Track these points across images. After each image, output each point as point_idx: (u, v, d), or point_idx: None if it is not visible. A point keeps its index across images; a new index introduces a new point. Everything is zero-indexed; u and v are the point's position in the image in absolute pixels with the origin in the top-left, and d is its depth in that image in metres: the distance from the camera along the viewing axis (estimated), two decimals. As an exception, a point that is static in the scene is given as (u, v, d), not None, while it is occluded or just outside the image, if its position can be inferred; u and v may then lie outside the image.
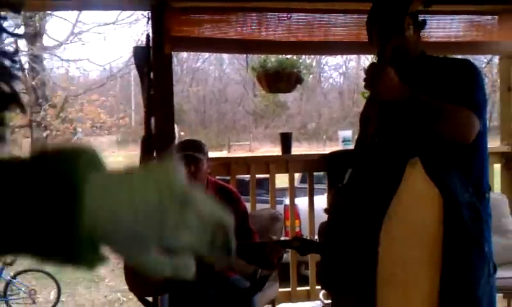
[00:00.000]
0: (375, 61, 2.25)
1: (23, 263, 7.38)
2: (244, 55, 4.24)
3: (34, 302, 6.25)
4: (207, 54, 24.62)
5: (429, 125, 1.94)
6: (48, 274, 6.36)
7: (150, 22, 3.66)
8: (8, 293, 6.19)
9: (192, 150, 2.94)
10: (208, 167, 3.03)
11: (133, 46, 4.05)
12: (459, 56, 3.45)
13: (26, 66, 11.72)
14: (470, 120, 1.92)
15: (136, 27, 12.63)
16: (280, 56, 4.05)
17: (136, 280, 2.95)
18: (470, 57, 3.93)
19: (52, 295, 6.35)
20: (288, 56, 4.09)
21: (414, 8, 1.98)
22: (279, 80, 4.00)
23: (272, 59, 4.06)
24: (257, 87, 4.40)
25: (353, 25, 3.85)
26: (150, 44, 3.63)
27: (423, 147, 1.93)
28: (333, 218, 2.15)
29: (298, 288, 4.09)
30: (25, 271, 6.43)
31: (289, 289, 4.05)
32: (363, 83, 2.05)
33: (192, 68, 28.15)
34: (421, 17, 2.11)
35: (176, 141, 3.77)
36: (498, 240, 3.45)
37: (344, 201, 2.05)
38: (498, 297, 3.36)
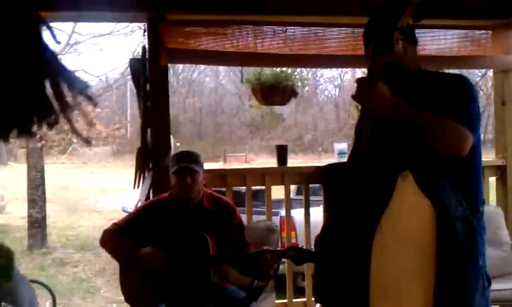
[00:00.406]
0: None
1: (17, 274, 7.34)
2: (239, 67, 4.26)
3: (28, 314, 6.22)
4: (203, 66, 24.72)
5: (422, 139, 1.95)
6: (43, 285, 6.33)
7: (146, 34, 3.68)
8: (3, 304, 6.14)
9: (189, 162, 2.95)
10: (203, 178, 3.04)
11: (129, 58, 4.07)
12: (453, 70, 3.47)
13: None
14: (463, 135, 1.94)
15: (132, 38, 12.63)
16: (275, 69, 4.08)
17: (132, 291, 2.94)
18: (464, 71, 3.97)
19: (47, 306, 6.31)
20: (283, 68, 4.11)
21: (403, 23, 1.99)
22: (274, 94, 4.03)
23: (267, 71, 4.07)
24: (253, 98, 4.41)
25: (348, 39, 3.88)
26: (146, 56, 3.65)
27: (415, 160, 1.94)
28: (326, 230, 2.16)
29: (295, 300, 4.08)
30: (20, 282, 6.39)
31: (285, 300, 4.04)
32: (353, 95, 2.07)
33: (188, 79, 28.24)
34: (425, 31, 2.12)
35: (172, 152, 3.78)
36: (494, 253, 3.46)
37: (338, 213, 2.06)
38: (493, 309, 3.37)
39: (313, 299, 3.97)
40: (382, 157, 2.01)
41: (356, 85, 2.07)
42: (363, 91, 1.96)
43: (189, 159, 2.97)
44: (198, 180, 2.96)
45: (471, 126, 1.95)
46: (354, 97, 2.06)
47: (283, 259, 3.14)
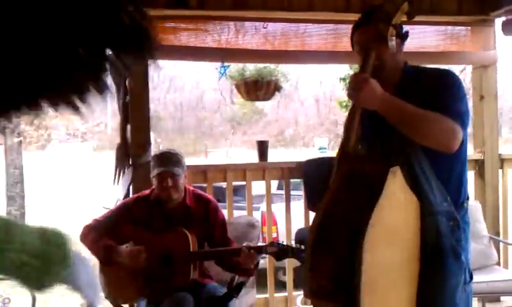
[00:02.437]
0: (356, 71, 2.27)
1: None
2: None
3: (7, 311, 6.14)
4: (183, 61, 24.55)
5: (411, 134, 1.95)
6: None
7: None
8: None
9: (170, 165, 2.90)
10: (186, 177, 3.01)
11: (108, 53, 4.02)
12: (433, 66, 3.48)
13: None
14: (454, 130, 1.95)
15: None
16: (258, 64, 4.08)
17: (112, 287, 2.93)
18: (444, 66, 4.00)
19: (26, 303, 6.25)
20: (266, 64, 4.11)
21: (398, 20, 2.00)
22: (258, 89, 4.03)
23: (251, 67, 4.07)
24: (235, 94, 4.41)
25: (329, 35, 3.89)
26: (126, 51, 3.62)
27: (404, 155, 1.94)
28: (315, 225, 2.16)
29: (276, 295, 4.10)
30: (-1, 280, 6.32)
31: (267, 295, 4.06)
32: (344, 92, 2.07)
33: (169, 74, 28.07)
34: (405, 27, 2.13)
35: (153, 148, 3.75)
36: (472, 246, 3.49)
37: (326, 209, 2.06)
38: (473, 300, 3.41)
39: (295, 292, 3.99)
40: (372, 152, 2.02)
41: (349, 82, 2.06)
42: (356, 87, 1.95)
43: (171, 162, 2.91)
44: (179, 182, 2.93)
45: (461, 122, 1.97)
46: (348, 94, 2.06)
47: (264, 255, 3.15)
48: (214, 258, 2.98)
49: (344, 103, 4.64)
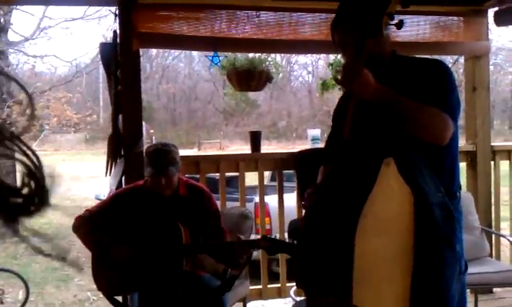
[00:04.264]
0: (342, 60, 2.25)
1: (-13, 263, 7.21)
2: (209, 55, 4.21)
3: (2, 302, 6.10)
4: (176, 51, 24.49)
5: (404, 125, 1.94)
6: (16, 274, 6.24)
7: (117, 19, 3.61)
8: None
9: (164, 166, 2.88)
10: (179, 171, 2.99)
11: (100, 42, 3.99)
12: (426, 56, 3.45)
13: (-10, 61, 11.43)
14: (445, 122, 1.94)
15: (104, 22, 12.49)
16: (249, 54, 4.05)
17: (105, 279, 2.91)
18: (436, 57, 3.98)
19: (21, 294, 6.22)
20: (258, 54, 4.08)
21: (392, 8, 1.98)
22: (250, 79, 3.99)
23: (242, 57, 4.04)
24: (227, 85, 4.38)
25: (322, 25, 3.87)
26: (118, 40, 3.59)
27: (397, 146, 1.93)
28: (308, 216, 2.15)
29: (269, 286, 4.10)
30: (-8, 271, 6.29)
31: (260, 286, 4.06)
32: (338, 79, 2.04)
33: (162, 65, 27.99)
34: (398, 17, 2.10)
35: (145, 139, 3.73)
36: (465, 237, 3.50)
37: (319, 200, 2.05)
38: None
39: (288, 283, 3.99)
40: (365, 142, 2.00)
41: (342, 69, 2.04)
42: (349, 76, 1.93)
43: (164, 162, 2.88)
44: (173, 180, 2.91)
45: (452, 114, 1.96)
46: (339, 81, 2.03)
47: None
48: (206, 251, 2.97)
49: (325, 86, 4.49)
